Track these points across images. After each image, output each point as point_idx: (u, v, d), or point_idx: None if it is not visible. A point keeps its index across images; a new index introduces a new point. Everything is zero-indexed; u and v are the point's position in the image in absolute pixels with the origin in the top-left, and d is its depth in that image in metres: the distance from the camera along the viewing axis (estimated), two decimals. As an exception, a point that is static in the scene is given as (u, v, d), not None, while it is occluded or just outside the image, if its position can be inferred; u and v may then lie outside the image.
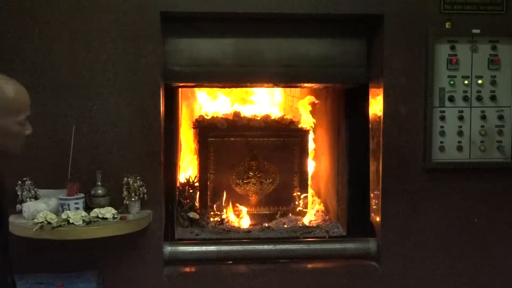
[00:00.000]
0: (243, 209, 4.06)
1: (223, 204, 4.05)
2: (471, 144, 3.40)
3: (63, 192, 3.13)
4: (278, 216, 4.09)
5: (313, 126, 4.31)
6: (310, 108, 4.34)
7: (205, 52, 3.45)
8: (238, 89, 4.41)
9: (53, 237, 2.92)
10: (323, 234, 3.76)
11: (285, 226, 3.93)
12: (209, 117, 4.27)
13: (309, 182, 4.25)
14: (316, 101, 4.31)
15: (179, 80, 3.49)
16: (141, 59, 3.21)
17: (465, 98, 3.38)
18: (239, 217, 4.03)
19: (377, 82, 3.42)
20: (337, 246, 3.59)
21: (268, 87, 4.15)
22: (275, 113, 4.51)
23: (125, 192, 3.14)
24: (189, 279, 3.41)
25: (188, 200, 4.01)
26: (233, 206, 4.05)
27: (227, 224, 3.93)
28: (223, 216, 3.99)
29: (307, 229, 3.84)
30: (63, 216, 3.01)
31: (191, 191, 4.09)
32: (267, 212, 4.10)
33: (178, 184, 3.96)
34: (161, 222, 3.34)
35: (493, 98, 3.37)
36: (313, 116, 4.35)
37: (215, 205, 4.05)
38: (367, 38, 3.53)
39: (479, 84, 3.37)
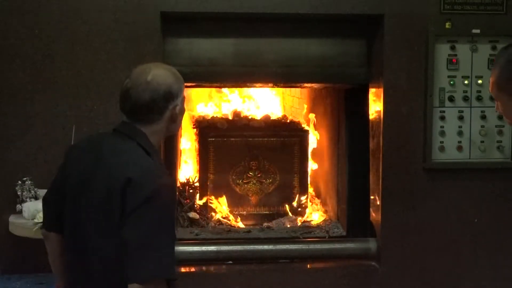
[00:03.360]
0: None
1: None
2: (471, 144, 3.40)
3: (63, 192, 3.12)
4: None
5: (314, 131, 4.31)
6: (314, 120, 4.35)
7: (205, 52, 3.45)
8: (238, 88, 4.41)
9: (53, 237, 2.92)
10: (323, 234, 3.76)
11: (285, 226, 3.93)
12: (209, 117, 4.27)
13: (309, 182, 4.25)
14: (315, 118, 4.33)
15: (179, 80, 3.49)
16: (141, 59, 3.20)
17: (465, 98, 3.38)
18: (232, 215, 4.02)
19: (377, 82, 3.42)
20: (337, 246, 3.59)
21: (268, 87, 4.15)
22: (275, 113, 4.51)
23: (125, 192, 3.14)
24: (189, 279, 3.41)
25: (188, 200, 4.01)
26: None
27: (224, 223, 3.92)
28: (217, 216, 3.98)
29: (307, 229, 3.83)
30: (63, 216, 3.00)
31: (191, 191, 4.09)
32: (267, 212, 4.09)
33: (178, 184, 3.96)
34: (161, 222, 3.34)
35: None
36: (313, 116, 4.35)
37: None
38: (367, 38, 3.53)
39: (479, 84, 3.37)
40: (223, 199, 4.00)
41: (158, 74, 1.98)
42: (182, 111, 2.05)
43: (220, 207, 3.99)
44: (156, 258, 1.80)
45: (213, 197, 4.00)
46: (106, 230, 1.87)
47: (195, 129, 4.22)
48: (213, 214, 3.95)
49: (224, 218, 3.96)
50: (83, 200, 1.93)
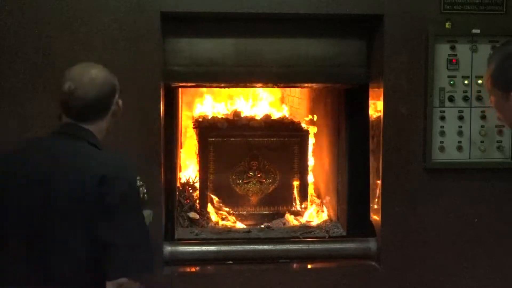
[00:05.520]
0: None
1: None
2: (471, 144, 3.40)
3: (63, 192, 3.12)
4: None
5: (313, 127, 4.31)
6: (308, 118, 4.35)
7: (205, 52, 3.45)
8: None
9: (53, 237, 2.92)
10: (323, 234, 3.76)
11: (285, 226, 3.93)
12: (209, 117, 4.28)
13: (309, 182, 4.25)
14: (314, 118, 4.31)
15: (179, 80, 3.50)
16: (141, 59, 3.21)
17: (465, 98, 3.38)
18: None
19: (377, 82, 3.42)
20: (337, 246, 3.59)
21: (268, 87, 4.15)
22: (276, 113, 4.51)
23: (125, 192, 3.14)
24: (189, 279, 3.41)
25: (188, 200, 4.01)
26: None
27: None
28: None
29: (307, 229, 3.84)
30: (63, 216, 3.00)
31: (191, 191, 4.09)
32: (267, 212, 4.09)
33: (178, 184, 3.96)
34: (161, 222, 3.34)
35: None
36: (313, 116, 4.35)
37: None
38: (367, 38, 3.53)
39: (479, 84, 3.36)
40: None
41: (99, 71, 2.03)
42: (121, 106, 2.10)
43: (217, 216, 4.00)
44: (142, 253, 1.87)
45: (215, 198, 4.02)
46: (78, 231, 1.86)
47: (195, 129, 4.23)
48: (210, 215, 3.96)
49: (223, 219, 3.97)
50: (44, 208, 1.88)
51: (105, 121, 2.04)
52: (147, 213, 3.20)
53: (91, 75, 1.99)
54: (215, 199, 4.03)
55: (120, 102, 2.07)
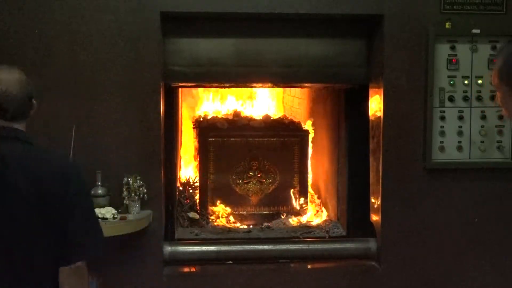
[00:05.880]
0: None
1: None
2: (471, 144, 3.40)
3: (63, 192, 3.12)
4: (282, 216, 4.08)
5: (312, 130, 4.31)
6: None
7: (205, 52, 3.45)
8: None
9: (53, 237, 2.92)
10: (323, 234, 3.76)
11: (285, 226, 3.93)
12: (209, 117, 4.27)
13: (309, 182, 4.25)
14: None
15: (179, 80, 3.50)
16: (141, 59, 3.21)
17: (465, 98, 3.38)
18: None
19: (377, 82, 3.42)
20: (337, 246, 3.59)
21: (268, 87, 4.15)
22: (275, 113, 4.51)
23: (125, 192, 3.14)
24: (189, 279, 3.41)
25: (188, 200, 4.01)
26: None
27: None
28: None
29: (307, 229, 3.84)
30: (63, 216, 3.01)
31: (191, 191, 4.09)
32: (267, 212, 4.10)
33: (178, 184, 3.96)
34: (161, 222, 3.34)
35: (493, 98, 3.36)
36: (313, 116, 4.35)
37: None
38: (367, 38, 3.53)
39: (479, 84, 3.37)
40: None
41: (18, 71, 2.06)
42: (35, 105, 2.15)
43: (221, 210, 3.99)
44: (97, 238, 2.02)
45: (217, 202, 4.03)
46: (43, 227, 1.91)
47: (195, 129, 4.23)
48: (212, 218, 3.96)
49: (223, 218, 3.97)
50: (3, 213, 1.90)
51: (28, 118, 2.09)
52: (147, 213, 3.22)
53: (16, 76, 2.03)
54: (215, 201, 4.03)
55: (34, 101, 2.11)
